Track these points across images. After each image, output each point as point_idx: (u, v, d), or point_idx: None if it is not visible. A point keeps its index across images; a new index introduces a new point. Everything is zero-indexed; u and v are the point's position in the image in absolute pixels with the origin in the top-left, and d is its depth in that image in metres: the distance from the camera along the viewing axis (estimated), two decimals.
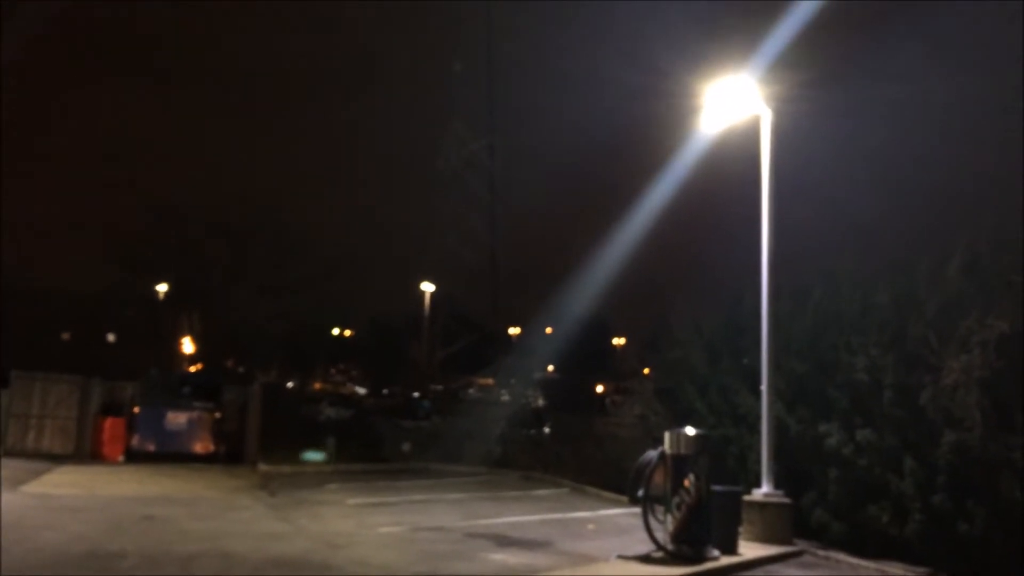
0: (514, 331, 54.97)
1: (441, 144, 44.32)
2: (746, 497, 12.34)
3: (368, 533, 12.12)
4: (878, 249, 14.95)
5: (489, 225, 42.89)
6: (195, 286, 44.66)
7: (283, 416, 29.54)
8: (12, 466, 17.00)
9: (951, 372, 11.44)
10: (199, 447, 22.20)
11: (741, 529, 11.89)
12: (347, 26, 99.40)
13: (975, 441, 11.08)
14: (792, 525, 12.34)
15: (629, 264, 35.92)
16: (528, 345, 48.12)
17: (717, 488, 11.06)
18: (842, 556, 11.77)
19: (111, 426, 21.28)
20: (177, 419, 22.09)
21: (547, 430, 30.12)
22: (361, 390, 63.76)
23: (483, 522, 13.63)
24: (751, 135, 13.51)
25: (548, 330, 49.62)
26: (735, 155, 14.95)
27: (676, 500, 10.54)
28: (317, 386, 65.28)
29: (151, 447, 21.54)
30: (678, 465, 10.66)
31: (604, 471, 18.18)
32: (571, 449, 21.77)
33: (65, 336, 43.15)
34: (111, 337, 44.80)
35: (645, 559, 10.45)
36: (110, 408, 21.81)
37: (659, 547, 10.56)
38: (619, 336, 57.27)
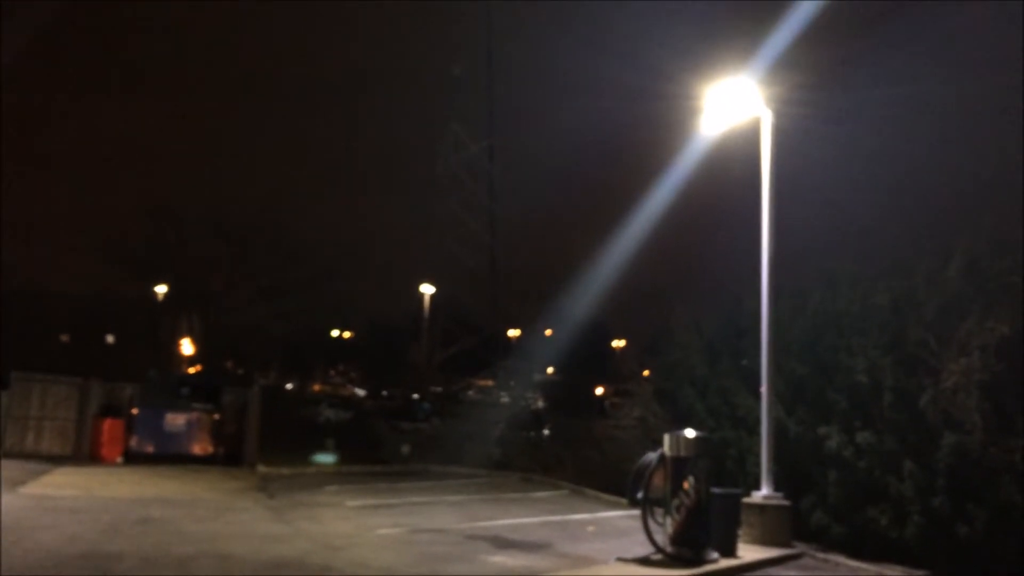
0: (514, 333, 55.00)
1: (441, 147, 44.42)
2: (745, 499, 12.32)
3: (367, 535, 12.10)
4: (878, 251, 14.94)
5: (488, 227, 42.93)
6: (194, 288, 44.68)
7: (282, 418, 29.55)
8: (11, 467, 16.97)
9: (951, 375, 11.44)
10: (198, 449, 22.17)
11: (740, 531, 11.87)
12: (347, 29, 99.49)
13: (975, 444, 11.08)
14: (791, 527, 12.33)
15: (629, 266, 35.98)
16: (528, 347, 48.20)
17: (716, 490, 11.05)
18: (841, 559, 11.76)
19: (110, 427, 21.24)
20: (176, 421, 22.06)
21: (546, 432, 30.12)
22: (360, 392, 63.67)
23: (482, 524, 13.61)
24: (751, 137, 13.51)
25: (548, 332, 49.68)
26: (735, 157, 14.95)
27: (675, 502, 10.52)
28: (316, 388, 65.25)
29: (150, 448, 21.50)
30: (677, 467, 10.65)
31: (603, 473, 18.15)
32: (571, 451, 21.75)
33: (64, 338, 43.13)
34: (110, 339, 44.78)
35: (644, 561, 10.44)
36: (109, 409, 21.77)
37: (658, 549, 10.54)
38: (619, 338, 57.13)
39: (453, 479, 21.23)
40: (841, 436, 12.48)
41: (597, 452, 19.75)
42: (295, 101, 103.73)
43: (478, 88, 43.23)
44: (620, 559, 10.61)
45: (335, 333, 71.70)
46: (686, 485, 10.52)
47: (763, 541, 12.02)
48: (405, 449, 25.21)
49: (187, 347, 47.67)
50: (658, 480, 10.77)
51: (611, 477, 17.00)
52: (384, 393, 57.74)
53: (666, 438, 10.97)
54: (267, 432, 23.39)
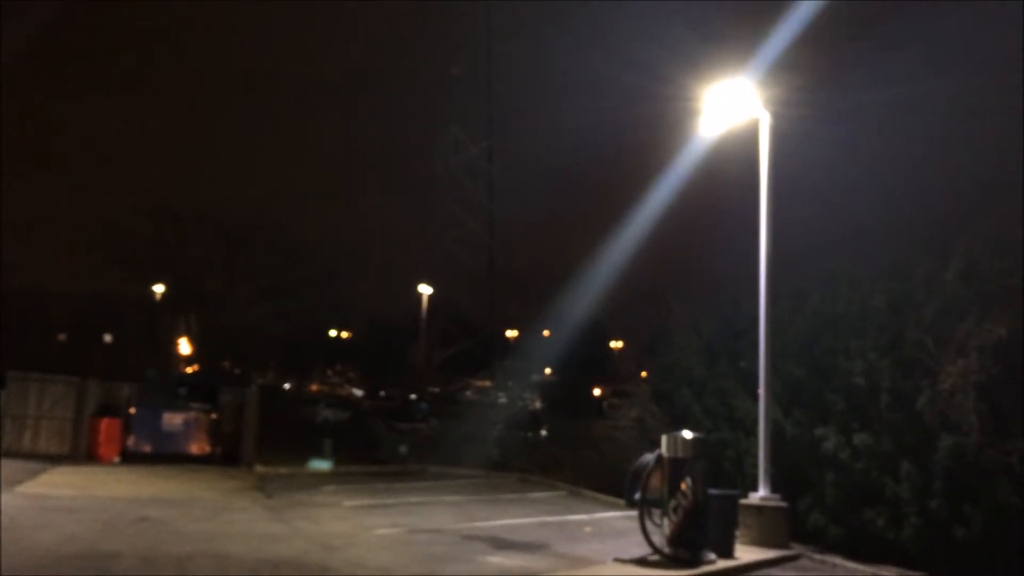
0: (512, 334, 55.00)
1: (440, 147, 44.40)
2: (743, 501, 12.33)
3: (365, 535, 12.10)
4: (876, 253, 14.98)
5: (487, 228, 42.93)
6: (193, 288, 44.63)
7: (280, 418, 29.53)
8: (8, 467, 16.93)
9: (948, 376, 11.45)
10: (195, 448, 22.16)
11: (738, 533, 11.88)
12: (347, 29, 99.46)
13: (972, 446, 11.09)
14: (789, 529, 12.33)
15: (627, 267, 35.99)
16: (526, 348, 48.21)
17: (714, 491, 11.07)
18: (839, 560, 11.77)
19: (107, 427, 21.22)
20: (173, 420, 22.05)
21: (544, 433, 30.14)
22: (358, 392, 63.62)
23: (480, 524, 13.61)
24: (750, 138, 13.52)
25: (546, 332, 49.69)
26: (734, 158, 14.96)
27: (673, 503, 10.52)
28: (314, 388, 65.20)
29: (147, 448, 21.49)
30: (675, 468, 10.65)
31: (601, 474, 18.16)
32: (568, 452, 21.76)
33: (62, 337, 43.08)
34: (108, 338, 44.72)
35: (642, 562, 10.44)
36: (106, 409, 21.74)
37: (656, 550, 10.54)
38: (617, 339, 57.24)
39: (451, 479, 21.23)
40: (838, 438, 12.49)
41: (595, 453, 19.76)
42: (295, 101, 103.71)
43: (478, 88, 43.24)
44: (617, 560, 10.61)
45: (333, 333, 71.67)
46: (683, 486, 10.52)
47: (760, 542, 12.03)
48: (403, 449, 25.20)
49: (185, 347, 47.63)
50: (655, 481, 10.78)
51: (609, 478, 17.01)
52: (382, 393, 57.70)
53: (664, 439, 10.97)
54: (265, 432, 23.37)
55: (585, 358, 46.13)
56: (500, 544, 11.74)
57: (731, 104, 13.29)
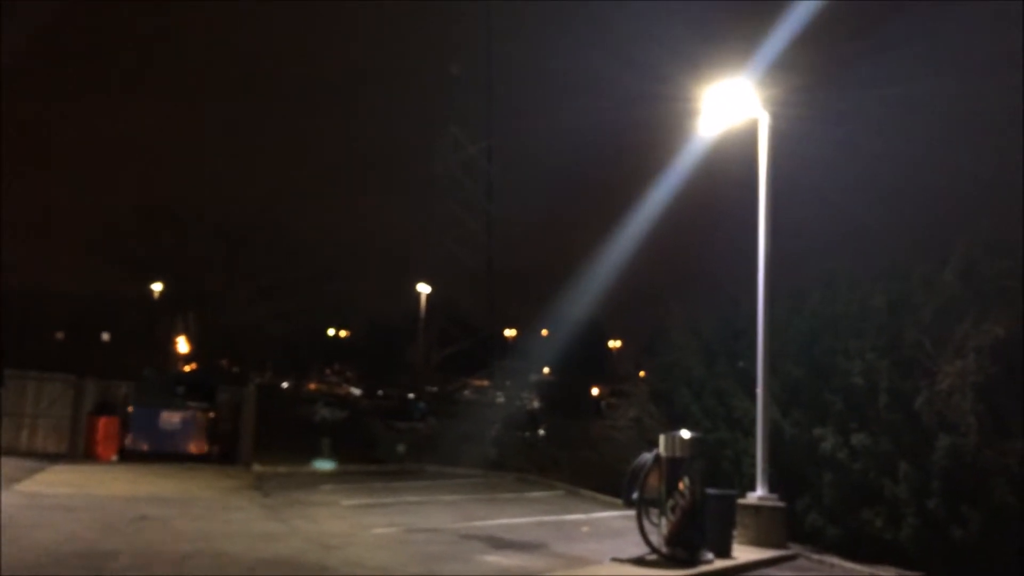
0: (510, 333, 54.98)
1: (439, 147, 44.36)
2: (741, 500, 12.34)
3: (362, 534, 12.09)
4: (875, 253, 14.98)
5: (486, 228, 42.90)
6: (192, 287, 44.59)
7: (278, 416, 29.50)
8: (6, 465, 16.91)
9: (946, 377, 11.46)
10: (193, 447, 22.14)
11: (735, 532, 11.88)
12: (347, 29, 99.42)
13: (970, 446, 11.10)
14: (786, 529, 12.34)
15: (626, 267, 35.96)
16: (524, 347, 48.18)
17: (712, 491, 11.07)
18: (836, 560, 11.78)
19: (105, 425, 21.20)
20: (171, 419, 22.03)
21: (542, 432, 30.14)
22: (356, 391, 63.58)
23: (478, 524, 13.60)
24: (749, 139, 13.52)
25: (544, 332, 49.68)
26: (733, 159, 14.96)
27: (671, 503, 10.53)
28: (312, 387, 65.11)
29: (145, 447, 21.47)
30: (673, 468, 10.65)
31: (599, 474, 18.16)
32: (566, 451, 21.77)
33: (60, 335, 43.06)
34: (106, 337, 44.70)
35: (639, 562, 10.44)
36: (104, 407, 21.73)
37: (653, 550, 10.55)
38: (615, 339, 57.28)
39: (448, 479, 21.22)
40: (836, 438, 12.50)
41: (593, 452, 19.76)
42: (295, 101, 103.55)
43: (478, 88, 43.18)
44: (615, 559, 10.62)
45: (331, 332, 71.63)
46: (681, 486, 10.52)
47: (758, 542, 12.02)
48: (401, 448, 25.18)
49: (183, 345, 47.60)
50: (653, 481, 10.78)
51: (607, 477, 17.01)
52: (380, 392, 57.67)
53: (662, 439, 10.97)
54: (263, 431, 23.37)
55: (584, 358, 46.09)
56: (498, 543, 11.74)
57: (730, 104, 13.28)
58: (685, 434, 10.94)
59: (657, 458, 10.82)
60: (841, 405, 12.79)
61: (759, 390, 12.90)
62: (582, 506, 17.00)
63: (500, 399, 39.18)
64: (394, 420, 35.30)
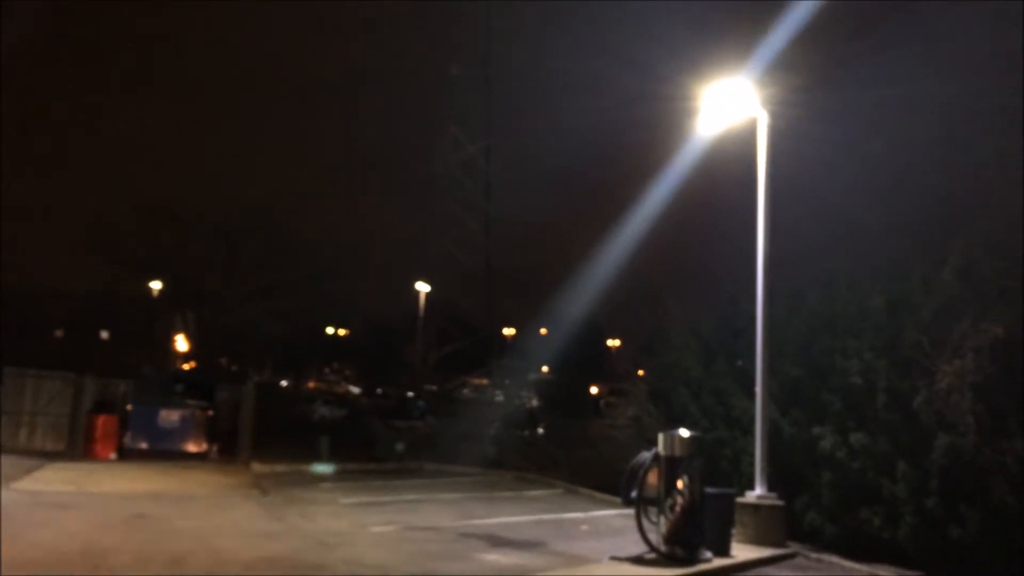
0: (509, 332, 54.97)
1: (439, 147, 44.36)
2: (739, 499, 12.34)
3: (361, 532, 12.10)
4: (874, 253, 14.97)
5: (484, 227, 42.89)
6: (192, 286, 44.59)
7: (277, 415, 29.47)
8: (4, 463, 16.91)
9: (945, 376, 11.46)
10: (192, 445, 22.15)
11: (734, 531, 11.89)
12: (344, 28, 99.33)
13: (968, 446, 11.10)
14: (785, 528, 12.34)
15: (625, 266, 35.96)
16: (523, 346, 48.14)
17: (710, 490, 11.07)
18: (835, 559, 11.79)
19: (104, 423, 21.21)
20: (170, 417, 22.04)
21: (541, 431, 30.13)
22: (355, 390, 63.56)
23: (476, 522, 13.61)
24: (748, 138, 13.52)
25: (543, 331, 49.66)
26: (732, 158, 14.96)
27: (669, 502, 10.53)
28: (311, 385, 65.10)
29: (144, 445, 21.48)
30: (671, 467, 10.65)
31: (598, 472, 18.16)
32: (565, 450, 21.76)
33: (59, 333, 43.05)
34: (105, 335, 44.70)
35: (638, 560, 10.45)
36: (103, 405, 21.73)
37: (652, 548, 10.55)
38: (614, 338, 57.25)
39: (447, 477, 21.23)
40: (835, 437, 12.50)
41: (592, 451, 19.75)
42: (295, 101, 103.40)
43: (477, 88, 43.15)
44: (614, 558, 10.62)
45: (330, 331, 71.59)
46: (680, 484, 10.53)
47: (757, 541, 12.03)
48: (399, 447, 25.16)
49: (182, 344, 47.60)
50: (652, 479, 10.78)
51: (605, 476, 17.01)
52: (379, 391, 57.66)
53: (660, 437, 10.97)
54: (261, 429, 23.38)
55: (582, 357, 46.10)
56: (496, 542, 11.75)
57: (729, 103, 13.27)
58: (684, 433, 10.95)
59: (656, 457, 10.83)
60: (840, 404, 12.79)
61: (758, 389, 12.90)
62: (581, 504, 17.01)
63: (499, 398, 39.15)
64: (393, 419, 35.28)
